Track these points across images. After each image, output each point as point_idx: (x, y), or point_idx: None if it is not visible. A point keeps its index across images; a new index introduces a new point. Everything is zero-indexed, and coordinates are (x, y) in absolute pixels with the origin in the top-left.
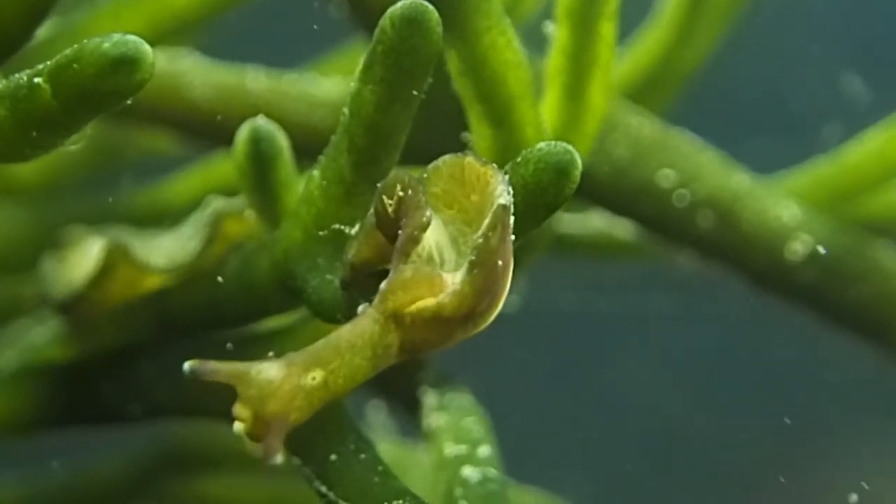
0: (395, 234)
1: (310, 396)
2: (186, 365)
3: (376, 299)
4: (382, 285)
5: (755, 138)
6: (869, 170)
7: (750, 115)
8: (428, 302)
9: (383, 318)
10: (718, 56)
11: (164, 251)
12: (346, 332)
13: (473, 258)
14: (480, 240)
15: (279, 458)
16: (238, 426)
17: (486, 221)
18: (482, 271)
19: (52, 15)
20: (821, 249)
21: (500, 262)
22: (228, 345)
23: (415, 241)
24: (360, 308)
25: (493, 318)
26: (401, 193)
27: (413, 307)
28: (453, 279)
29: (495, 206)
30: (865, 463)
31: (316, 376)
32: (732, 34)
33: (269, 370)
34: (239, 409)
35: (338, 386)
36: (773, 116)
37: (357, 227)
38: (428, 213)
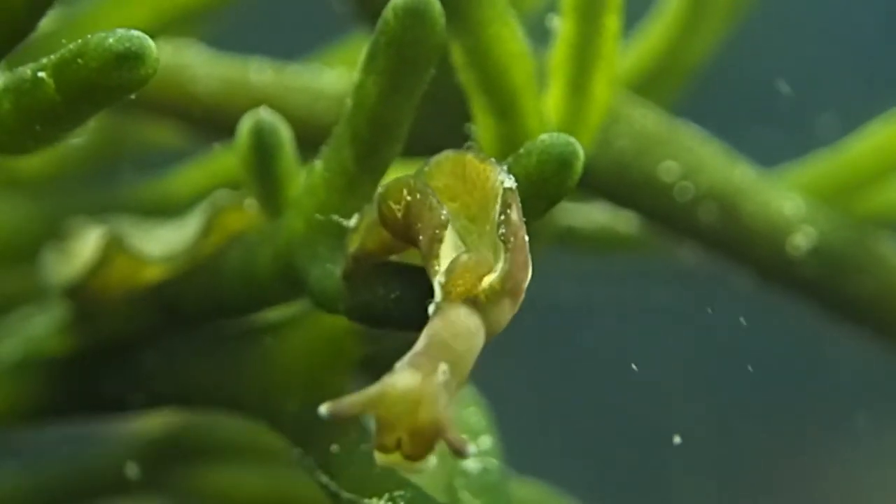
0: (404, 234)
1: (448, 390)
2: (322, 409)
3: (439, 294)
4: (440, 278)
5: (758, 131)
6: (871, 163)
7: (753, 108)
8: (492, 277)
9: (460, 301)
10: (723, 48)
11: (161, 241)
12: (437, 326)
13: (504, 231)
14: (502, 216)
15: (470, 447)
16: (386, 458)
17: (498, 204)
18: (517, 243)
19: (56, 5)
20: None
21: (525, 237)
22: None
23: (439, 240)
24: (431, 308)
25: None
26: (408, 198)
27: (484, 283)
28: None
29: (502, 191)
30: (864, 457)
31: (445, 369)
32: (737, 27)
33: (401, 380)
34: (385, 438)
35: (460, 375)
36: (776, 110)
37: (355, 219)
38: (444, 211)
